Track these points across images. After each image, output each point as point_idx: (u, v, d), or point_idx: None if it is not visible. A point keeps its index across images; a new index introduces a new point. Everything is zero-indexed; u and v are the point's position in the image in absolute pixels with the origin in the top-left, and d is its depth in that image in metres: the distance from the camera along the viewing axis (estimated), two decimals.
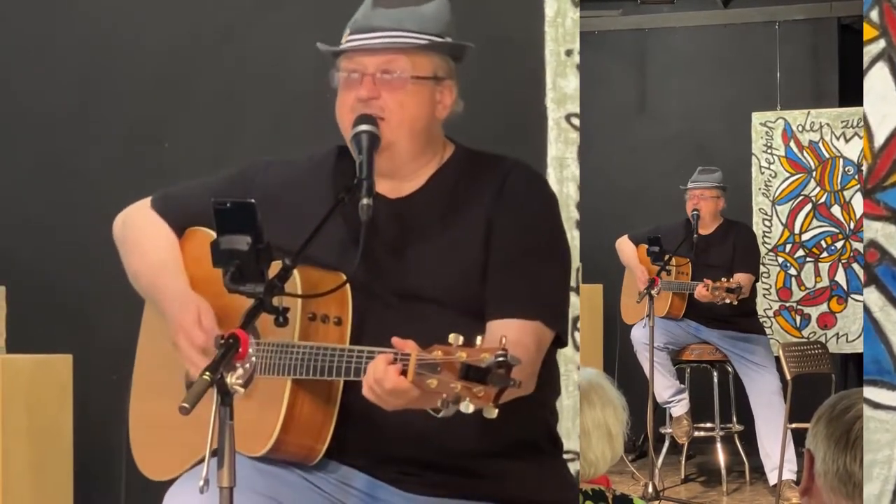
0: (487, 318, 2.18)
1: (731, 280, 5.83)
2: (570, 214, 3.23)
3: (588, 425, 3.03)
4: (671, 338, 6.16)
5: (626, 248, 6.27)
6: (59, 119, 3.56)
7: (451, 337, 1.88)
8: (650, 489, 5.65)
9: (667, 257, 5.75)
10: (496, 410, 1.84)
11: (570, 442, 3.07)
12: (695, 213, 6.09)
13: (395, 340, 1.96)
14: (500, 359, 1.83)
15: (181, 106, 3.50)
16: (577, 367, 3.28)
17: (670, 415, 6.24)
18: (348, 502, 2.29)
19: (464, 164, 2.38)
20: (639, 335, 6.08)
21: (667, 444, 6.28)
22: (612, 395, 3.02)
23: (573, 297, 3.18)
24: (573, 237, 3.23)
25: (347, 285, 2.22)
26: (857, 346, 7.25)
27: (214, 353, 1.99)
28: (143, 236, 2.48)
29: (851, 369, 7.40)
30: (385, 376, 1.94)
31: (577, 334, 3.24)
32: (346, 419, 2.22)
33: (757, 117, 7.57)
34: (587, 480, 2.98)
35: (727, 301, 5.71)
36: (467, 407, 1.83)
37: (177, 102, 3.51)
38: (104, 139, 3.54)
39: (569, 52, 3.28)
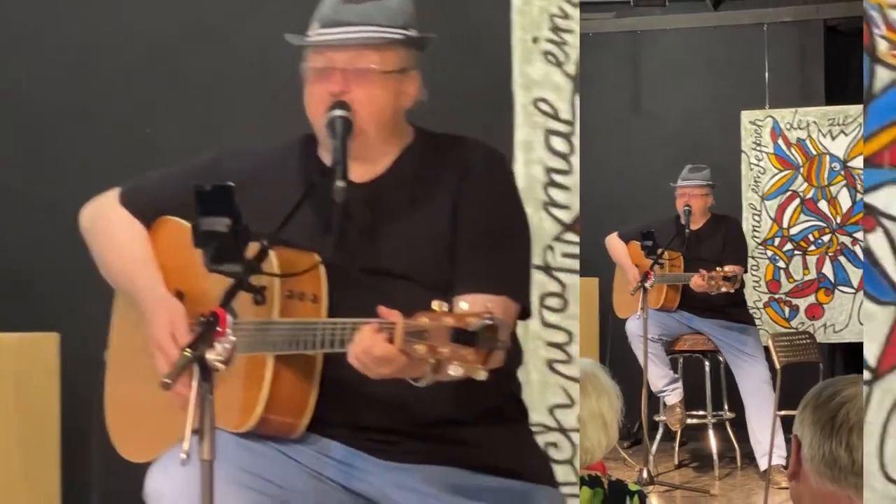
0: (456, 293, 2.17)
1: (727, 269, 5.87)
2: (536, 196, 3.24)
3: (583, 415, 3.07)
4: (665, 329, 6.23)
5: (615, 245, 6.33)
6: (48, 105, 3.53)
7: (435, 304, 1.89)
8: (645, 475, 5.71)
9: (659, 251, 5.81)
10: (485, 372, 1.85)
11: (536, 414, 3.06)
12: (686, 208, 6.15)
13: (381, 310, 1.96)
14: (488, 321, 1.84)
15: (169, 93, 3.48)
16: (546, 344, 3.24)
17: (664, 403, 6.28)
18: (326, 472, 2.28)
19: (426, 146, 2.38)
20: (633, 327, 6.15)
21: (660, 431, 6.33)
22: (606, 385, 3.03)
23: (542, 276, 3.21)
24: (541, 218, 3.21)
25: (322, 264, 2.23)
26: (844, 336, 7.33)
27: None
28: (115, 231, 2.45)
29: (838, 358, 7.44)
30: (373, 344, 1.94)
31: (545, 312, 3.21)
32: (325, 393, 2.22)
33: (746, 116, 7.60)
34: (584, 467, 3.01)
35: (723, 290, 5.75)
36: (456, 370, 1.84)
37: (165, 89, 3.48)
38: (92, 125, 3.51)
39: (535, 40, 3.27)
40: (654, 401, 6.26)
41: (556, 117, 3.30)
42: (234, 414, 2.19)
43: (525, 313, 2.30)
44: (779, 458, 5.46)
